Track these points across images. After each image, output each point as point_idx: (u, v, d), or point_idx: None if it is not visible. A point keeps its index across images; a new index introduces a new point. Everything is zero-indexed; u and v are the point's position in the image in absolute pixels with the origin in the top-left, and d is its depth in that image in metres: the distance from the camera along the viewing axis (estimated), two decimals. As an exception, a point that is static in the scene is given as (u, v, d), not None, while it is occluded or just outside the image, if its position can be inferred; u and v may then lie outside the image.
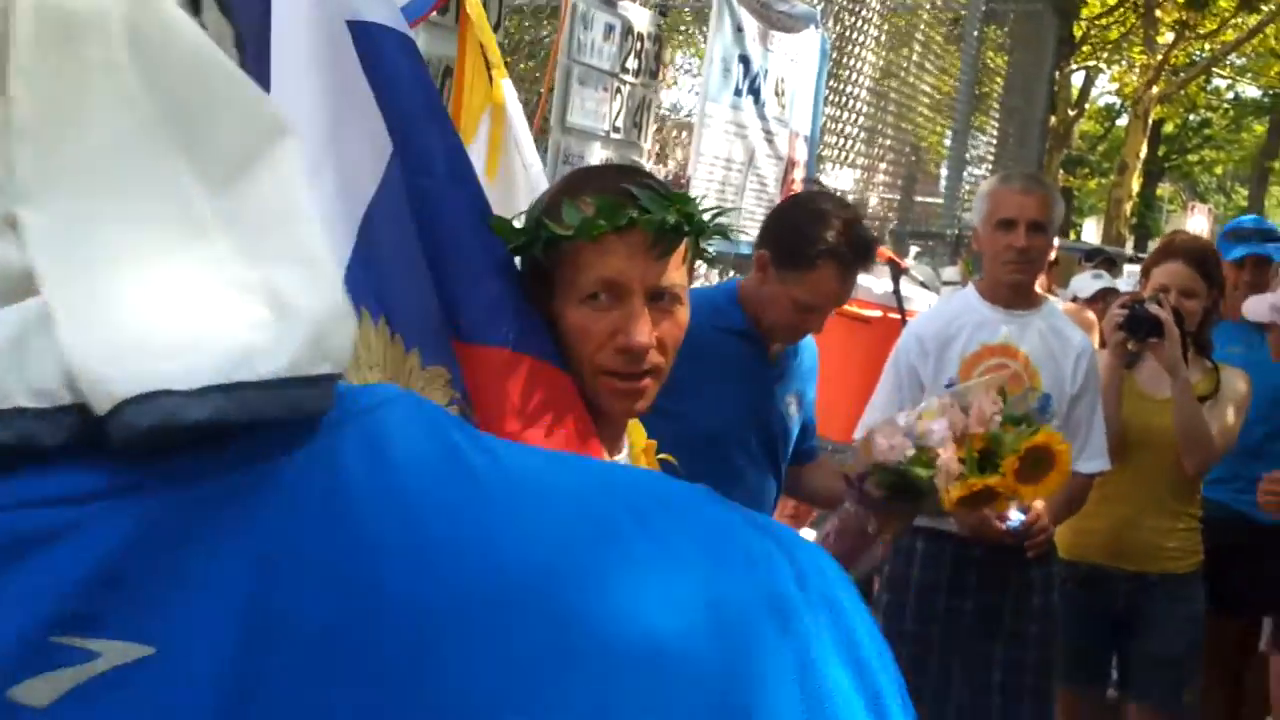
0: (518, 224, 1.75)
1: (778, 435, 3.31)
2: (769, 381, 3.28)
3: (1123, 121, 27.44)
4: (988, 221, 3.79)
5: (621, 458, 1.85)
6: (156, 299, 0.57)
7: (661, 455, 2.06)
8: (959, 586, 3.77)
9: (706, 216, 1.76)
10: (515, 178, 2.31)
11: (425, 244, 1.63)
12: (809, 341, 3.52)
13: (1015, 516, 3.67)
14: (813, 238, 3.05)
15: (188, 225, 0.58)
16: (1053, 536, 3.79)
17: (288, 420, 0.61)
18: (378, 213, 1.63)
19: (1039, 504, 3.68)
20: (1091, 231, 30.94)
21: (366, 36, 1.67)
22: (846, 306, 5.05)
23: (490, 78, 2.41)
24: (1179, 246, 4.29)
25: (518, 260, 1.75)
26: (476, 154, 2.35)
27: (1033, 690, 3.79)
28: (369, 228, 1.61)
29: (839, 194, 5.76)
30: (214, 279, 0.59)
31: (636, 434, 1.95)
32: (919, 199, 8.39)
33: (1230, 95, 33.58)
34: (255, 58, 1.60)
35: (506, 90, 2.38)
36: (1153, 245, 4.30)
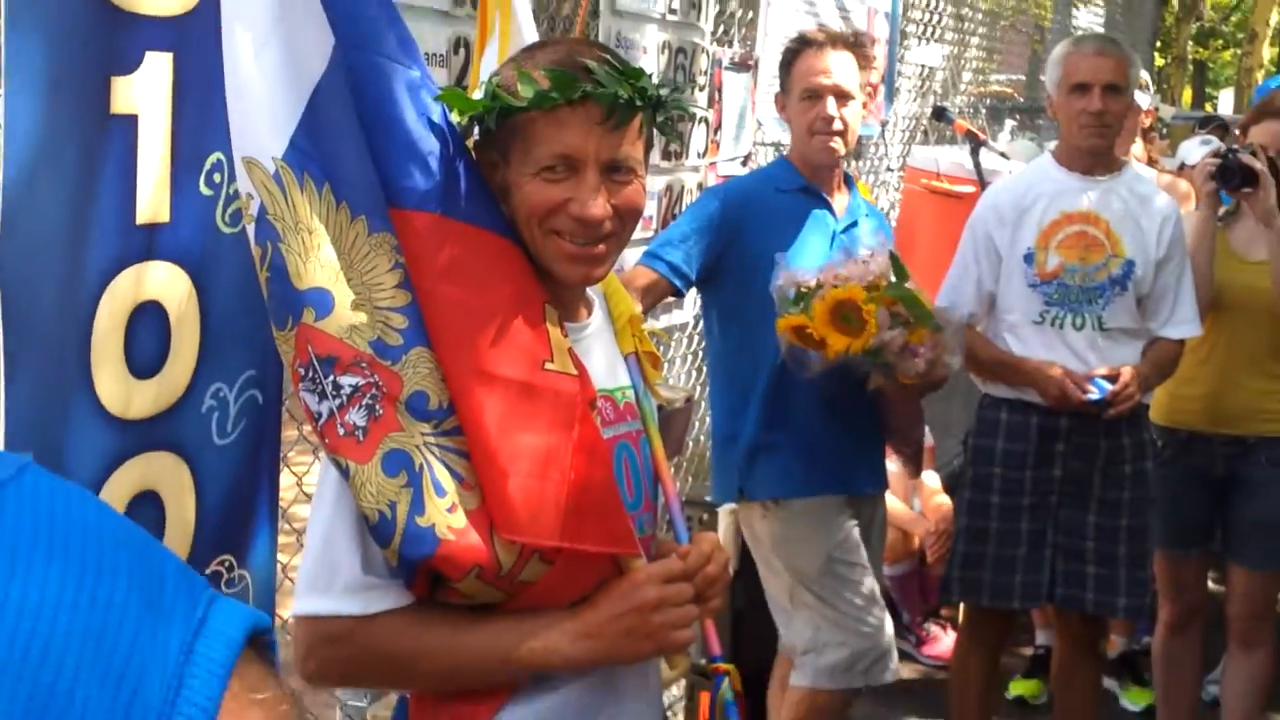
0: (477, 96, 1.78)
1: None
2: (839, 232, 3.51)
3: (1257, -11, 26.28)
4: (1061, 87, 3.71)
5: (592, 324, 1.89)
6: None
7: (651, 329, 2.08)
8: (1046, 456, 3.74)
9: (663, 92, 1.78)
10: None
11: (363, 116, 1.68)
12: (878, 211, 3.69)
13: (1100, 385, 3.61)
14: (788, 47, 3.55)
15: None
16: (1140, 402, 3.72)
17: None
18: (325, 89, 1.69)
19: (1127, 371, 3.63)
20: (1228, 103, 29.87)
21: None
22: (936, 183, 5.06)
23: None
24: (1278, 105, 4.13)
25: (476, 132, 1.79)
26: (494, 47, 2.39)
27: (1128, 557, 3.76)
28: (317, 102, 1.69)
29: (926, 69, 5.66)
30: None
31: (624, 304, 1.98)
32: (1041, 77, 8.16)
33: (1373, -46, 31.98)
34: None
35: None
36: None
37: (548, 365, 1.68)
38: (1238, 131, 4.45)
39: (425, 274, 1.66)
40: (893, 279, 3.15)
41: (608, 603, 1.72)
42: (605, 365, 1.87)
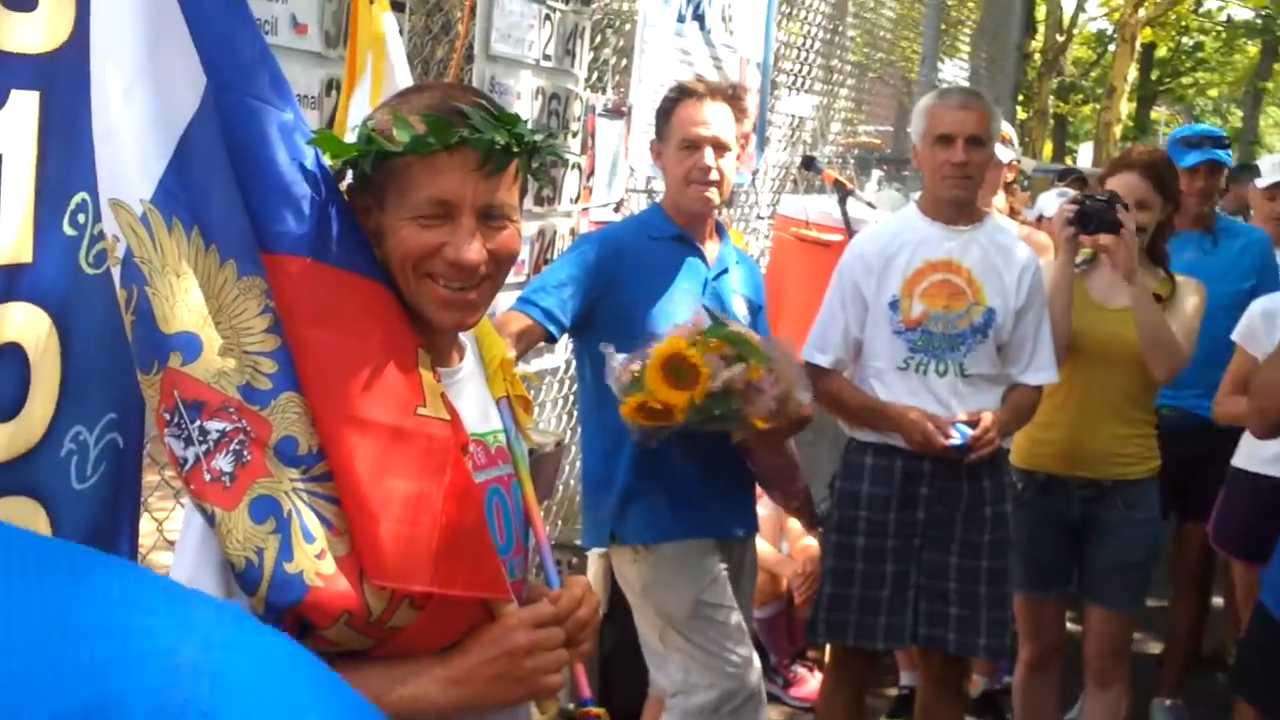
0: (351, 138, 1.78)
1: None
2: (710, 280, 3.59)
3: (1114, 47, 27.20)
4: (926, 138, 3.81)
5: (464, 368, 1.89)
6: None
7: (523, 373, 2.09)
8: (910, 499, 3.81)
9: (537, 138, 1.79)
10: None
11: (234, 158, 1.67)
12: (748, 258, 3.76)
13: (962, 430, 3.70)
14: (667, 96, 3.59)
15: None
16: (1000, 448, 3.81)
17: None
18: (196, 130, 1.68)
19: (987, 417, 3.72)
20: (1087, 156, 30.84)
21: None
22: (804, 232, 5.14)
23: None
24: (1134, 158, 4.26)
25: (349, 175, 1.78)
26: (365, 88, 2.39)
27: (988, 598, 3.84)
28: (188, 143, 1.68)
29: (797, 119, 5.77)
30: None
31: (495, 348, 2.00)
32: (908, 129, 8.33)
33: (1222, 17, 33.34)
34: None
35: (386, 23, 2.41)
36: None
37: (420, 410, 1.68)
38: (1096, 183, 4.59)
39: (296, 318, 1.65)
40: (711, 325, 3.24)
41: (478, 648, 1.72)
42: (477, 409, 1.88)
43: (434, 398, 1.70)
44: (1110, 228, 3.95)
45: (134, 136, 1.67)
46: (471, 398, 1.88)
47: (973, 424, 3.72)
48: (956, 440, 3.69)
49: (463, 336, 1.92)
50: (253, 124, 1.68)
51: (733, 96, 3.56)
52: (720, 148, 3.49)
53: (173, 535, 2.67)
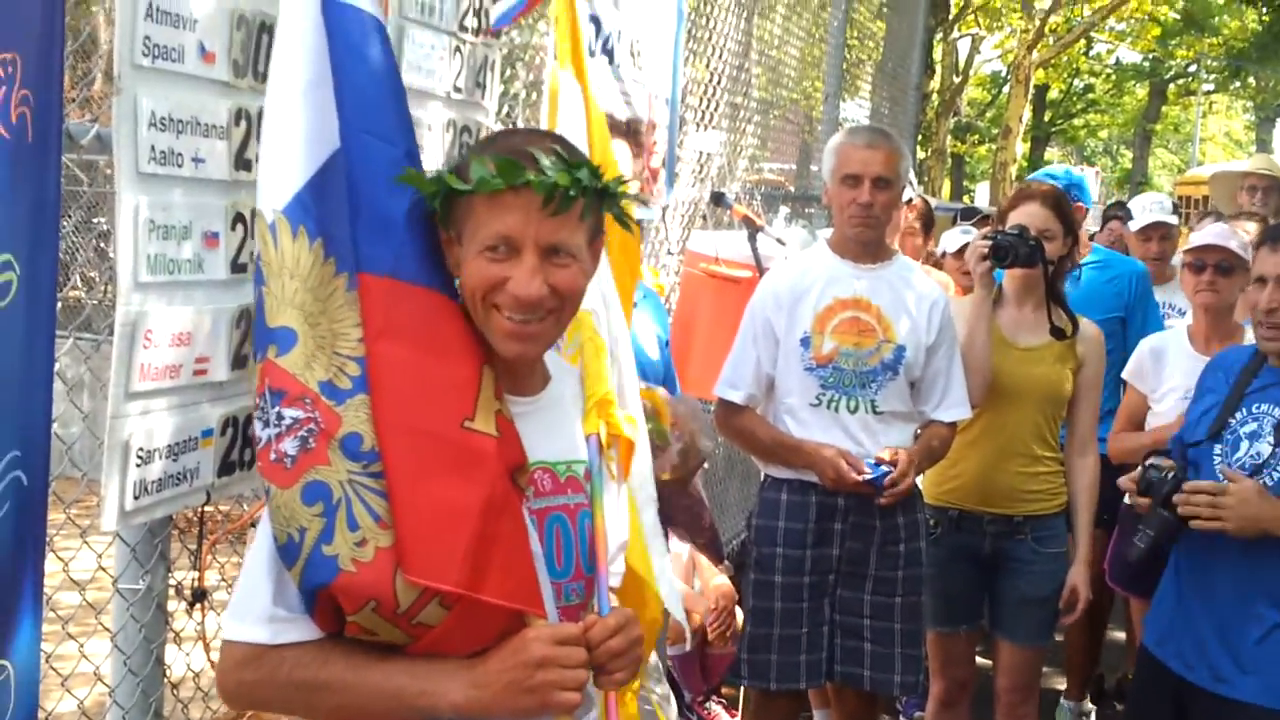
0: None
1: (645, 366, 3.56)
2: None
3: (1009, 89, 27.78)
4: (834, 176, 3.82)
5: (544, 397, 2.04)
6: None
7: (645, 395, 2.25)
8: (825, 535, 3.81)
9: (605, 184, 1.93)
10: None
11: (349, 189, 1.89)
12: (653, 293, 3.79)
13: (876, 468, 3.70)
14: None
15: None
16: (913, 486, 3.82)
17: None
18: (340, 163, 1.91)
19: (902, 457, 3.72)
20: (984, 195, 31.45)
21: (337, 13, 1.96)
22: (714, 268, 5.14)
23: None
24: (1035, 190, 4.33)
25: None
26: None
27: (902, 634, 3.85)
28: (329, 171, 1.90)
29: (705, 155, 5.80)
30: None
31: (598, 386, 2.17)
32: (812, 167, 8.45)
33: (1111, 60, 34.26)
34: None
35: (562, 81, 2.92)
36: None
37: (467, 423, 1.80)
38: (995, 218, 4.64)
39: (368, 331, 1.82)
40: None
41: (499, 655, 1.81)
42: (552, 438, 2.02)
43: (486, 414, 1.83)
44: (1025, 261, 4.01)
45: (284, 154, 1.91)
46: (547, 426, 2.02)
47: (891, 462, 3.71)
48: (869, 475, 3.69)
49: (559, 370, 2.10)
50: (364, 157, 1.90)
51: (629, 132, 3.56)
52: None
53: (78, 574, 2.59)
